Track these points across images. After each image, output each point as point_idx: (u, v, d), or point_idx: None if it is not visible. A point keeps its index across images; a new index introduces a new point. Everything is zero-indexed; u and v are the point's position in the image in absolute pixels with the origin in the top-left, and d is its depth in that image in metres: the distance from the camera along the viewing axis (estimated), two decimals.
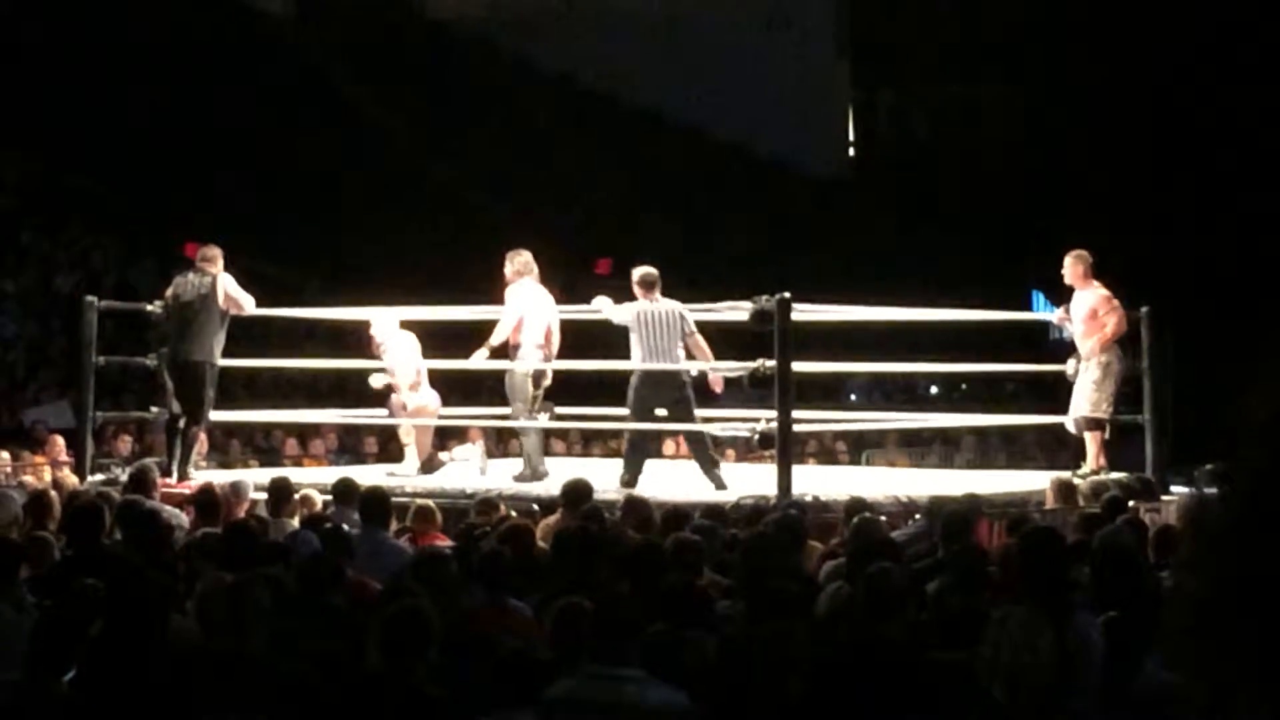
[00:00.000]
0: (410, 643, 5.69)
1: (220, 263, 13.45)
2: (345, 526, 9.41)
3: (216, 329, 13.34)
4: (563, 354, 13.82)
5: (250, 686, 5.68)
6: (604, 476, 12.34)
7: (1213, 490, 1.40)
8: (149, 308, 14.12)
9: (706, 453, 12.78)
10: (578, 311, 14.29)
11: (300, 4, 37.44)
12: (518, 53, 36.74)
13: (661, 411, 12.84)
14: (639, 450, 12.84)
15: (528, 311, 13.15)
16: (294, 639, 6.24)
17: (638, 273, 12.95)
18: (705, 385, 13.27)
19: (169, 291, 13.57)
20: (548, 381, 13.45)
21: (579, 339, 14.57)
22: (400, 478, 13.13)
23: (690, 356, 12.80)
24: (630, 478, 12.49)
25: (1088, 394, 13.39)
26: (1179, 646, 1.36)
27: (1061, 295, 14.03)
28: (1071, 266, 13.51)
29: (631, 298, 12.87)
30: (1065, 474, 12.61)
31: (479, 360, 13.39)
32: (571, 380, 14.75)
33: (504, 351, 13.29)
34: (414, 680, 5.58)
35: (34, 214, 25.20)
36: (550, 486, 11.96)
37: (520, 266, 13.29)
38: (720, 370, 13.16)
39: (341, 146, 31.28)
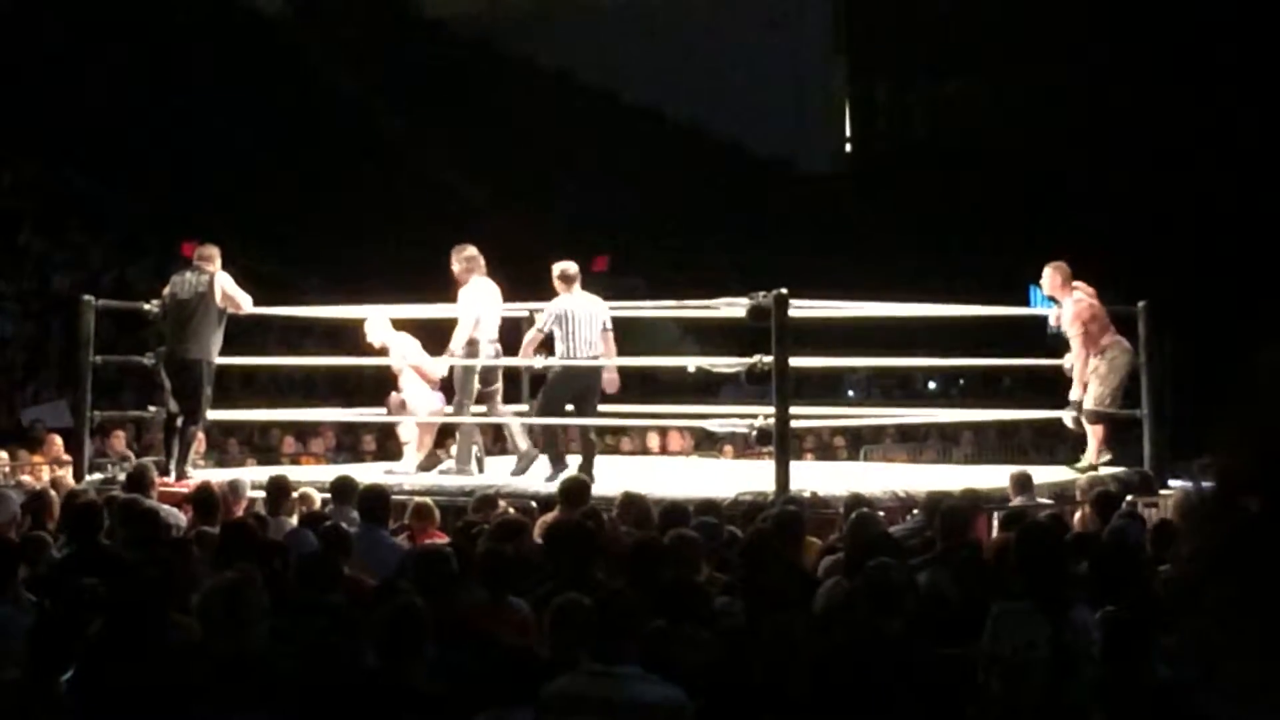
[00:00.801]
0: (405, 641, 5.69)
1: (218, 261, 13.44)
2: (343, 524, 9.41)
3: (214, 328, 13.33)
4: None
5: (249, 685, 5.68)
6: (602, 474, 12.37)
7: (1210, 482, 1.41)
8: (146, 307, 14.11)
9: (588, 445, 12.97)
10: None
11: (297, 3, 37.45)
12: (516, 50, 36.74)
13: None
14: (552, 442, 12.98)
15: (483, 310, 13.27)
16: (292, 637, 6.24)
17: (558, 268, 13.05)
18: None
19: (166, 290, 13.56)
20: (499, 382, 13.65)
21: None
22: (398, 475, 13.14)
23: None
24: (556, 471, 12.61)
25: (1092, 388, 13.43)
26: (1185, 593, 1.37)
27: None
28: (1050, 278, 13.60)
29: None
30: (1022, 468, 12.58)
31: (444, 364, 13.48)
32: None
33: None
34: (411, 678, 5.58)
35: (32, 214, 25.19)
36: (548, 484, 11.99)
37: (469, 263, 13.40)
38: (719, 366, 13.16)
39: (340, 145, 31.29)
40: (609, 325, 12.97)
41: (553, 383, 13.04)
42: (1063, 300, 13.55)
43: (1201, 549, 1.39)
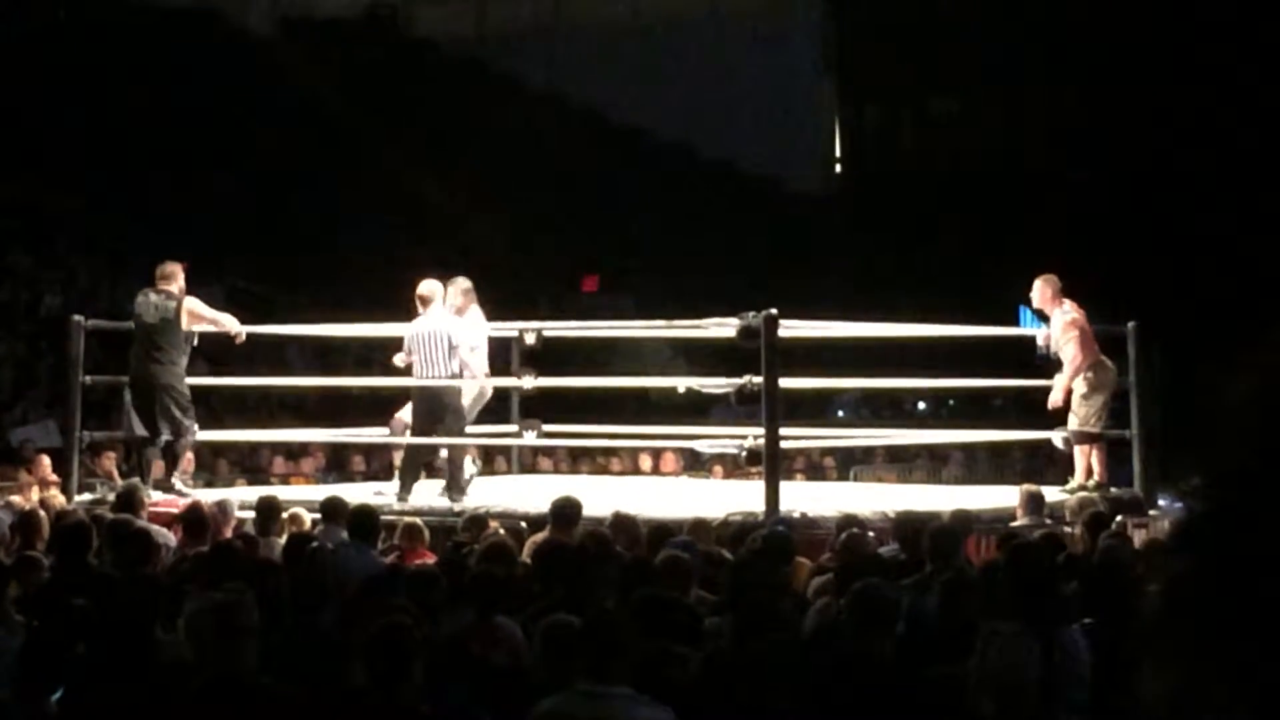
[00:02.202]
0: (395, 660, 5.68)
1: (179, 279, 13.29)
2: (331, 545, 9.41)
3: (178, 351, 13.19)
4: (551, 371, 13.83)
5: (239, 705, 5.68)
6: (591, 494, 12.37)
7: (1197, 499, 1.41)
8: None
9: (456, 469, 13.07)
10: (564, 328, 14.32)
11: (285, 23, 37.47)
12: (504, 70, 36.78)
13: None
14: (412, 465, 13.24)
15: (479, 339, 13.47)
16: (282, 658, 6.23)
17: (419, 288, 13.09)
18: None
19: (134, 312, 13.45)
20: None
21: (566, 357, 14.58)
22: (389, 496, 13.14)
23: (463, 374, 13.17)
24: (405, 494, 12.87)
25: (1075, 409, 13.42)
26: (1151, 638, 1.37)
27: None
28: (1040, 290, 13.57)
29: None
30: (1034, 486, 12.55)
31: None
32: (560, 398, 14.74)
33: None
34: (400, 698, 5.57)
35: (21, 233, 25.18)
36: (539, 504, 11.99)
37: (466, 296, 13.44)
38: (709, 387, 13.16)
39: (327, 165, 31.29)
40: (455, 342, 13.02)
41: (413, 408, 13.21)
42: (1052, 313, 13.54)
43: (1162, 588, 1.39)
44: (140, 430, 13.36)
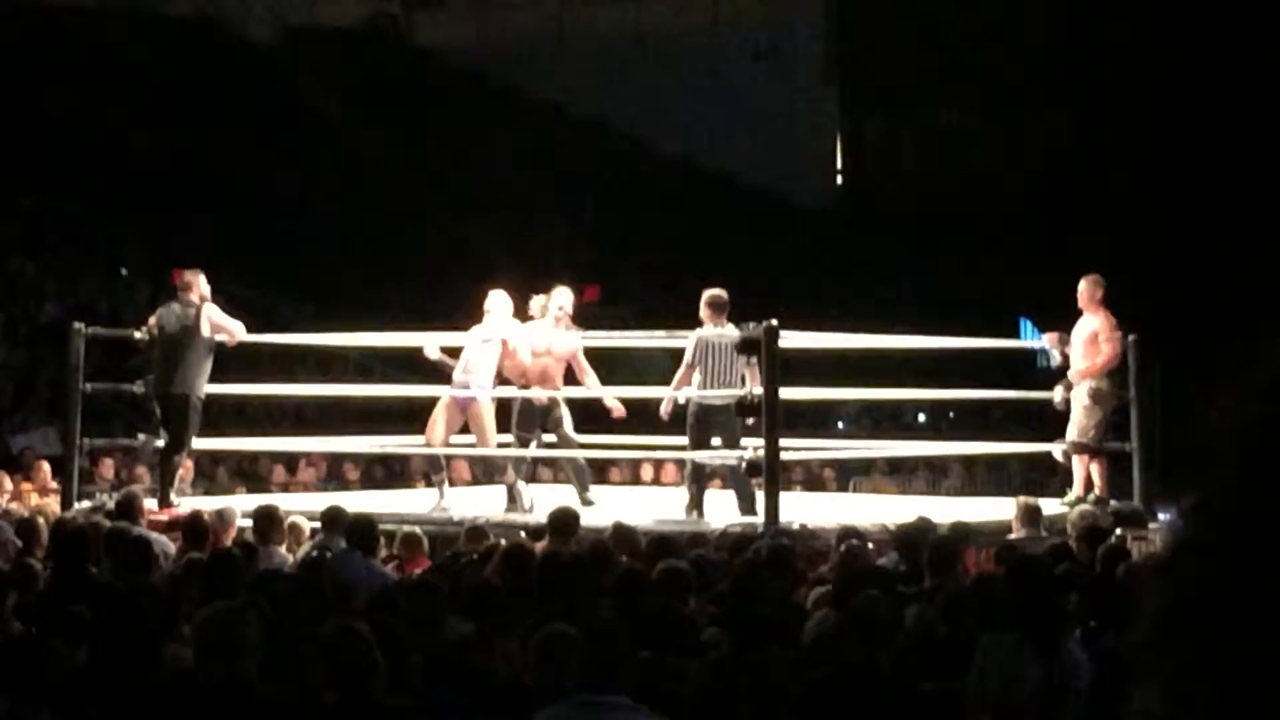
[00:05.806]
0: (355, 665, 5.61)
1: (199, 287, 13.27)
2: (330, 553, 9.41)
3: (200, 361, 13.17)
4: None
5: (241, 715, 5.66)
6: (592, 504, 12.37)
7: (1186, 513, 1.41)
8: (136, 334, 14.06)
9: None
10: None
11: (287, 33, 37.49)
12: (506, 81, 36.79)
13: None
14: None
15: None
16: (282, 666, 6.22)
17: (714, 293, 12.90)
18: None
19: (153, 321, 13.46)
20: None
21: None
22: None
23: None
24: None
25: (1077, 420, 13.40)
26: (1145, 654, 1.37)
27: (1049, 322, 14.05)
28: (1089, 289, 13.47)
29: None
30: (1031, 498, 12.49)
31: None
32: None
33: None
34: (373, 698, 5.53)
35: (22, 240, 25.18)
36: (537, 515, 11.98)
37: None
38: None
39: (330, 174, 31.30)
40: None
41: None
42: (1091, 314, 13.44)
43: (1153, 609, 1.39)
44: (162, 440, 13.38)
